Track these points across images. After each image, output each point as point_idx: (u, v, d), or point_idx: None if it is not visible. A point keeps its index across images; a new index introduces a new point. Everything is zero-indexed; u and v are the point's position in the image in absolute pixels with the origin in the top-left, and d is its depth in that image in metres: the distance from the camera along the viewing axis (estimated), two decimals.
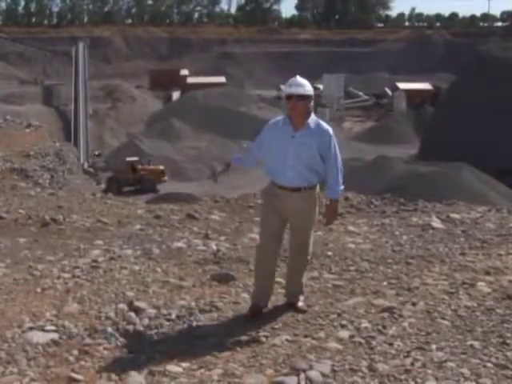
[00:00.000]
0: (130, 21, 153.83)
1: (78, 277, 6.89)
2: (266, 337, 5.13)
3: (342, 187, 5.68)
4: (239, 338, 5.14)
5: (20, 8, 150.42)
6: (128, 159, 49.77)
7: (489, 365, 4.61)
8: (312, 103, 5.52)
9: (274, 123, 5.69)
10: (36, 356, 4.81)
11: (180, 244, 8.55)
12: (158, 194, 36.76)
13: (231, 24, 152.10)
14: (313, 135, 5.47)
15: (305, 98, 5.44)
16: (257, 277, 5.81)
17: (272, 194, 5.64)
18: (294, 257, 5.81)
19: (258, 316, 5.57)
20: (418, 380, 4.38)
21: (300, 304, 5.78)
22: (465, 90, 55.03)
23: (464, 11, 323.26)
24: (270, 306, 5.73)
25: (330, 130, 5.54)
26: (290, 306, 5.79)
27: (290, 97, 5.45)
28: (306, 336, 5.16)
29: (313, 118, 5.52)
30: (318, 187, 5.65)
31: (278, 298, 5.84)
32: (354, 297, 6.18)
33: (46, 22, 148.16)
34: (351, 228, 9.83)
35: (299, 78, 5.50)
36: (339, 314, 5.64)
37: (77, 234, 9.65)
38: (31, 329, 5.27)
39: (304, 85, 5.45)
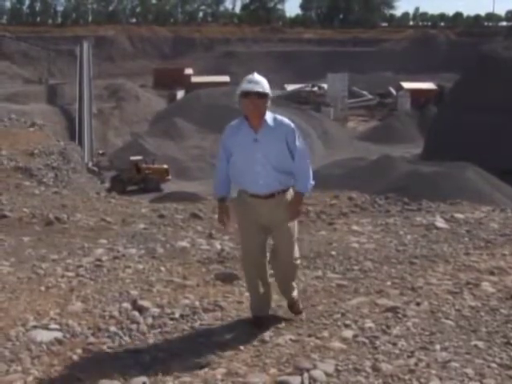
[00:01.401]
0: (134, 20, 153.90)
1: (82, 276, 6.90)
2: (270, 336, 5.12)
3: (313, 182, 5.23)
4: (243, 337, 5.13)
5: (25, 7, 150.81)
6: (132, 158, 49.80)
7: (493, 365, 4.60)
8: (268, 104, 5.10)
9: (229, 129, 5.24)
10: (40, 355, 4.82)
11: (184, 243, 8.56)
12: (161, 193, 36.80)
13: (235, 23, 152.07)
14: (275, 132, 5.09)
15: (263, 96, 5.04)
16: (250, 290, 5.53)
17: (244, 204, 5.22)
18: (279, 265, 5.43)
19: (262, 327, 5.34)
20: (422, 380, 4.37)
21: (294, 295, 5.57)
22: (469, 90, 54.94)
23: (468, 11, 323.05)
24: (273, 305, 5.71)
25: (292, 124, 5.16)
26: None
27: (247, 94, 5.03)
28: (309, 335, 5.16)
29: (269, 115, 5.15)
30: (291, 189, 5.23)
31: (281, 297, 5.82)
32: (358, 296, 6.18)
33: (50, 21, 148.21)
34: (355, 227, 9.83)
35: (257, 76, 5.12)
36: (343, 314, 5.63)
37: (81, 232, 9.67)
38: (35, 327, 5.27)
39: (263, 82, 5.07)
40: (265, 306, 5.52)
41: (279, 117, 5.18)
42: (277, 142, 5.09)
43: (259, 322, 5.40)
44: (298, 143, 5.13)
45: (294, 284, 5.61)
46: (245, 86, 5.04)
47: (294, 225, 5.33)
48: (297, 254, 5.44)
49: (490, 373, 4.49)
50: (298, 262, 5.54)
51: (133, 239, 8.99)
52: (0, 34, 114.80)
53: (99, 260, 7.57)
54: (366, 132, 78.78)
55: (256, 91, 5.00)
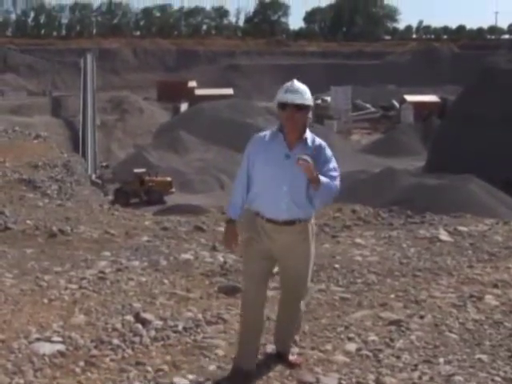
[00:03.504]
0: (138, 33, 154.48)
1: (85, 288, 6.89)
2: (273, 349, 5.11)
3: (337, 185, 4.47)
4: None
5: (29, 20, 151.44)
6: (135, 171, 49.85)
7: (497, 379, 4.59)
8: (310, 115, 4.51)
9: (259, 139, 4.59)
10: (42, 367, 4.81)
11: (187, 256, 8.55)
12: (165, 206, 36.80)
13: (239, 36, 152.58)
14: (311, 153, 4.39)
15: (303, 108, 4.40)
16: (243, 332, 4.74)
17: (257, 230, 4.53)
18: (286, 303, 4.78)
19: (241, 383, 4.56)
20: None
21: (291, 358, 4.86)
22: (472, 103, 54.96)
23: (471, 24, 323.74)
24: (275, 317, 5.68)
25: (327, 146, 4.56)
26: (279, 356, 4.90)
27: (284, 105, 4.39)
28: (312, 348, 5.15)
29: (309, 134, 4.52)
30: (313, 218, 4.65)
31: None
32: (362, 309, 6.17)
33: (55, 33, 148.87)
34: (358, 240, 9.81)
35: (297, 83, 4.46)
36: (346, 327, 5.62)
37: (84, 245, 9.67)
38: (38, 340, 5.26)
39: (303, 92, 4.41)
40: (251, 358, 4.69)
41: (318, 138, 4.58)
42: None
43: (239, 376, 4.58)
44: (333, 161, 4.51)
45: (294, 334, 4.97)
46: (282, 95, 4.41)
47: (309, 262, 4.67)
48: (307, 296, 4.84)
49: None
50: (303, 306, 4.88)
51: (136, 252, 8.99)
52: (5, 47, 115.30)
53: (102, 272, 7.56)
54: (370, 145, 78.80)
55: (295, 103, 4.36)
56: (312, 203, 4.52)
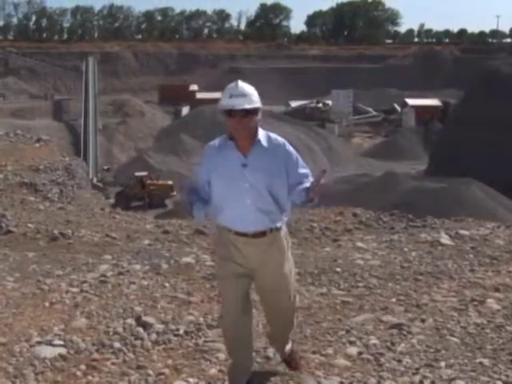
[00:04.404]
0: (139, 36, 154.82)
1: (87, 291, 6.89)
2: (274, 353, 5.10)
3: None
4: None
5: (31, 23, 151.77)
6: (137, 174, 49.82)
7: (498, 383, 4.58)
8: (260, 116, 3.98)
9: (211, 149, 4.17)
10: (44, 370, 4.81)
11: (188, 259, 8.54)
12: (166, 209, 36.77)
13: (240, 40, 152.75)
14: (269, 155, 4.02)
15: (252, 112, 3.92)
16: (230, 353, 4.45)
17: (227, 246, 4.17)
18: (274, 323, 4.53)
19: None
20: None
21: (287, 349, 4.69)
22: (473, 106, 54.94)
23: (473, 27, 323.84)
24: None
25: (286, 142, 4.11)
26: (283, 361, 4.78)
27: (230, 112, 3.91)
28: (314, 352, 5.14)
29: (262, 133, 4.06)
30: (284, 227, 4.26)
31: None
32: (363, 313, 6.16)
33: (56, 37, 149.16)
34: (360, 244, 9.80)
35: (242, 85, 3.94)
36: (348, 331, 5.61)
37: (85, 248, 9.67)
38: (39, 343, 5.27)
39: (250, 94, 3.92)
40: (245, 372, 4.39)
41: (273, 135, 4.12)
42: (271, 167, 4.02)
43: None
44: (298, 162, 4.10)
45: (290, 335, 4.69)
46: (227, 101, 3.91)
47: (291, 267, 4.33)
48: (295, 301, 4.47)
49: None
50: (295, 320, 4.60)
51: (137, 255, 8.99)
52: (7, 50, 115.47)
53: (104, 276, 7.56)
54: (371, 148, 78.80)
55: (241, 109, 3.88)
56: (284, 208, 4.14)
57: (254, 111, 3.92)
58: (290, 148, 4.10)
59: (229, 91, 3.91)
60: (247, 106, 3.87)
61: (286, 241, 4.26)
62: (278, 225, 4.14)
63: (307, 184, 3.95)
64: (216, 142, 4.16)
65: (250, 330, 4.32)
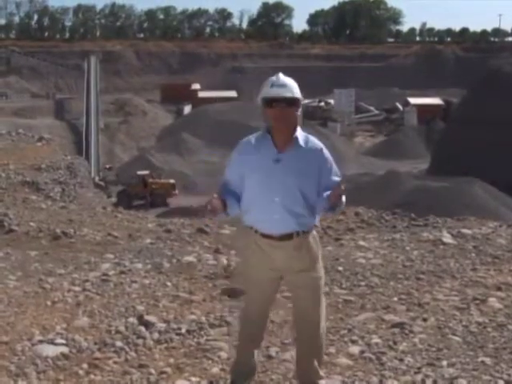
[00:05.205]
0: (141, 35, 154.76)
1: (89, 290, 6.90)
2: (276, 352, 5.11)
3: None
4: None
5: (33, 22, 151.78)
6: (139, 173, 49.84)
7: (500, 382, 4.58)
8: (300, 112, 3.95)
9: (245, 144, 4.06)
10: (46, 369, 4.81)
11: (190, 258, 8.55)
12: (168, 208, 36.77)
13: (242, 39, 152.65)
14: (305, 156, 3.92)
15: (294, 102, 3.87)
16: (240, 347, 4.37)
17: (254, 248, 4.03)
18: (301, 335, 4.26)
19: None
20: None
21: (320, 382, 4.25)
22: (476, 105, 54.88)
23: (475, 26, 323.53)
24: (279, 320, 5.68)
25: (324, 147, 4.02)
26: None
27: (272, 102, 3.85)
28: None
29: (301, 133, 3.97)
30: (314, 230, 4.12)
31: (287, 312, 5.81)
32: (365, 312, 6.16)
33: (58, 36, 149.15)
34: (362, 243, 9.81)
35: (283, 77, 3.92)
36: (350, 330, 5.61)
37: (87, 247, 9.68)
38: (41, 342, 5.27)
39: (292, 85, 3.88)
40: (247, 374, 4.31)
41: (312, 137, 4.02)
42: (306, 168, 3.92)
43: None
44: (333, 167, 4.00)
45: (318, 364, 4.25)
46: (268, 90, 3.88)
47: (319, 280, 4.12)
48: (323, 322, 4.23)
49: None
50: (323, 331, 4.27)
51: (139, 254, 9.00)
52: (9, 49, 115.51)
53: (106, 275, 7.57)
54: (373, 147, 78.76)
55: (283, 96, 3.82)
56: (313, 211, 4.00)
57: (295, 103, 3.87)
58: (327, 153, 4.01)
59: (270, 82, 3.91)
60: (288, 95, 3.83)
61: (317, 246, 4.11)
62: (308, 227, 4.01)
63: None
64: (252, 137, 4.06)
65: (263, 331, 4.30)
